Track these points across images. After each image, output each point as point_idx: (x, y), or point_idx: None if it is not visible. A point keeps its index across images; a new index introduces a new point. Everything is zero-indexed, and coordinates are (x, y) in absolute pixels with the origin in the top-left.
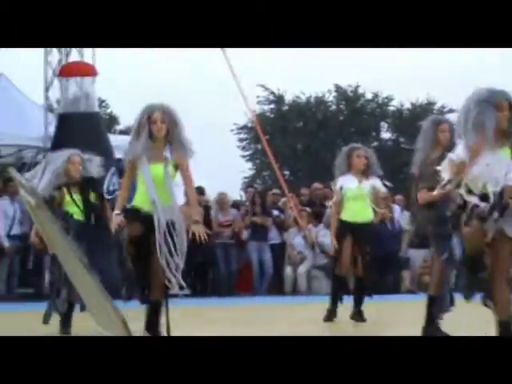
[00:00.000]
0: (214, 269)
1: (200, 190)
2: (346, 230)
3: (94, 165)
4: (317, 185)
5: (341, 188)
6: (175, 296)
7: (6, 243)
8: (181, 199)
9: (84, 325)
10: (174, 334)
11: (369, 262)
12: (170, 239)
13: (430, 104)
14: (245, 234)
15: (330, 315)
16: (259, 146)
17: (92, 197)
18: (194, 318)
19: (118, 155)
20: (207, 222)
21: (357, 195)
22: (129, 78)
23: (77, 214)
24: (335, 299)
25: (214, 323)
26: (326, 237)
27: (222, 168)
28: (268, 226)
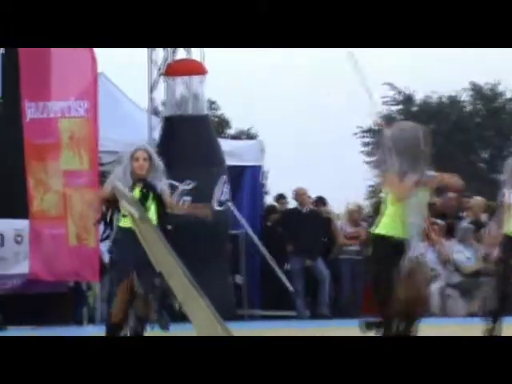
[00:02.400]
0: (337, 288)
1: (322, 201)
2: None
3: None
4: (450, 194)
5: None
6: None
7: (107, 259)
8: None
9: None
10: None
11: None
12: None
13: None
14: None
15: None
16: None
17: (154, 198)
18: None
19: (229, 162)
20: (330, 234)
21: None
22: (241, 78)
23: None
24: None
25: None
26: (460, 253)
27: (344, 175)
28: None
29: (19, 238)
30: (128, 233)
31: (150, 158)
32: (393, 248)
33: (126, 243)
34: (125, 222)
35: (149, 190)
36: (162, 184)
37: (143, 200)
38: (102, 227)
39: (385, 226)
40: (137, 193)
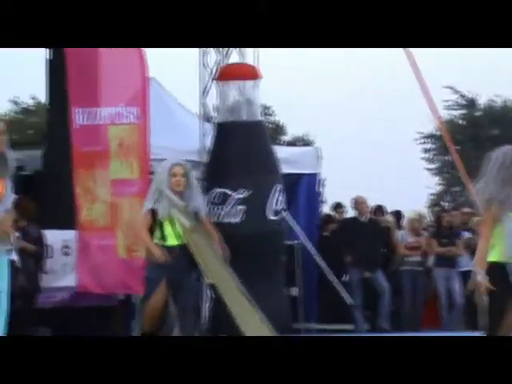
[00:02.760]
0: (397, 300)
1: (381, 209)
2: None
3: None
4: None
5: None
6: None
7: None
8: None
9: None
10: None
11: None
12: None
13: None
14: (430, 260)
15: None
16: (448, 158)
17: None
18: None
19: (284, 169)
20: (389, 244)
21: None
22: (297, 82)
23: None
24: None
25: None
26: None
27: (404, 183)
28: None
29: (67, 250)
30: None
31: (186, 174)
32: (503, 274)
33: (161, 264)
34: (159, 241)
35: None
36: (198, 203)
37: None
38: None
39: (493, 254)
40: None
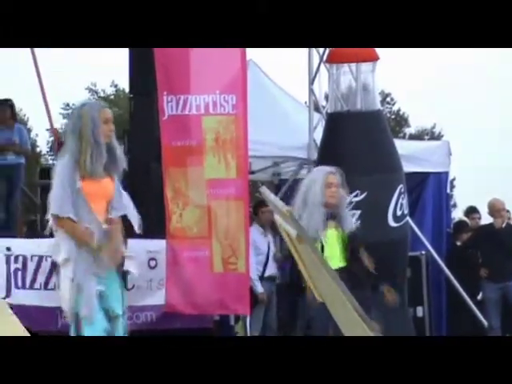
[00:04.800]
0: None
1: None
2: None
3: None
4: None
5: None
6: None
7: (260, 289)
8: None
9: None
10: None
11: None
12: None
13: None
14: None
15: None
16: None
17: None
18: None
19: (407, 168)
20: None
21: None
22: (422, 65)
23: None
24: None
25: None
26: None
27: None
28: None
29: (153, 263)
30: None
31: (341, 183)
32: None
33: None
34: None
35: (343, 228)
36: (350, 218)
37: (338, 243)
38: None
39: None
40: (332, 234)
